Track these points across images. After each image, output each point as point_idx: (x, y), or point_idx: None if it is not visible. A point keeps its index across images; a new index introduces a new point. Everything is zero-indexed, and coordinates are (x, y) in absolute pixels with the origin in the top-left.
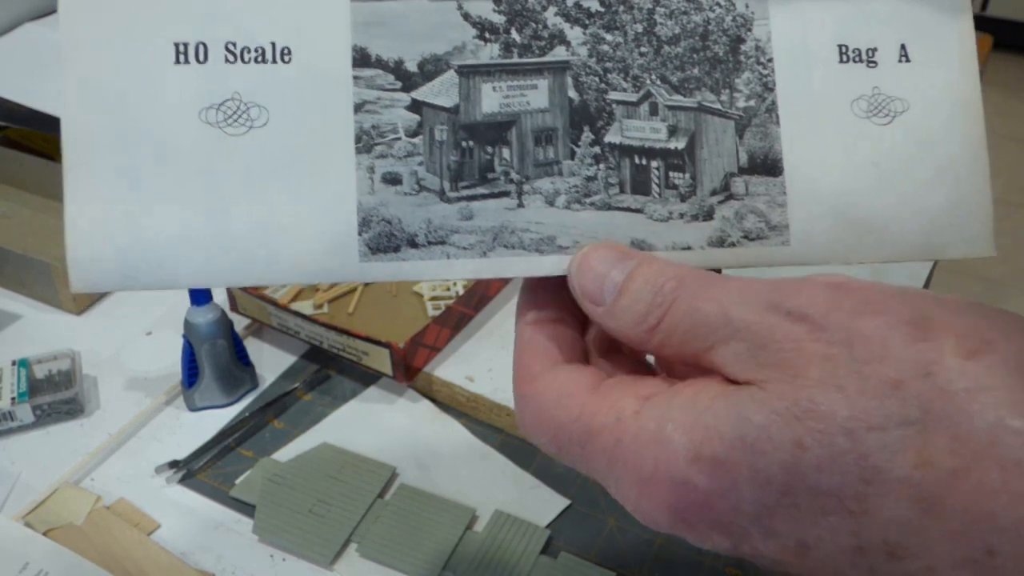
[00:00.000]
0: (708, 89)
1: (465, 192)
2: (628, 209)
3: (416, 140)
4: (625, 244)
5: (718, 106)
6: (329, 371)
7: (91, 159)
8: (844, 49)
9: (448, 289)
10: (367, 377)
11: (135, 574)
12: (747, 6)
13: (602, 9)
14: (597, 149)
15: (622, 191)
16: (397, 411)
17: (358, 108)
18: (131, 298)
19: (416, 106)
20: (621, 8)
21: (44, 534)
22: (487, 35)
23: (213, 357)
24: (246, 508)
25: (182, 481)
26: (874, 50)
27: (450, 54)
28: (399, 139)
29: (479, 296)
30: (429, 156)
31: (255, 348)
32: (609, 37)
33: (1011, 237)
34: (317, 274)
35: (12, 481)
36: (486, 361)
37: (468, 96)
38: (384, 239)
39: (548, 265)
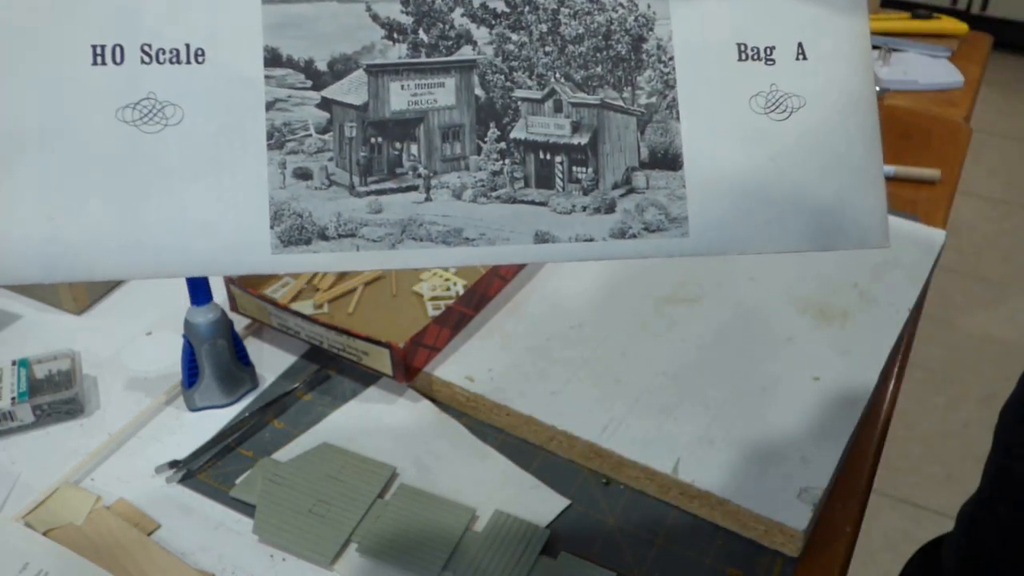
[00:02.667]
0: (611, 87)
1: (374, 186)
2: (533, 202)
3: (326, 136)
4: (529, 237)
5: (620, 103)
6: (329, 371)
7: (11, 157)
8: (743, 47)
9: (448, 289)
10: (367, 377)
11: (135, 574)
12: (649, 6)
13: (508, 10)
14: (503, 145)
15: (527, 185)
16: (397, 411)
17: (270, 106)
18: (131, 298)
19: (326, 104)
20: (526, 9)
21: (44, 534)
22: (395, 35)
23: (213, 357)
24: (246, 508)
25: (182, 481)
26: (772, 48)
27: (359, 54)
28: (310, 135)
29: (479, 296)
30: (339, 152)
31: (255, 348)
32: (515, 37)
33: (1011, 237)
34: (230, 266)
35: (12, 481)
36: (486, 361)
37: (377, 94)
38: (295, 232)
39: (455, 257)
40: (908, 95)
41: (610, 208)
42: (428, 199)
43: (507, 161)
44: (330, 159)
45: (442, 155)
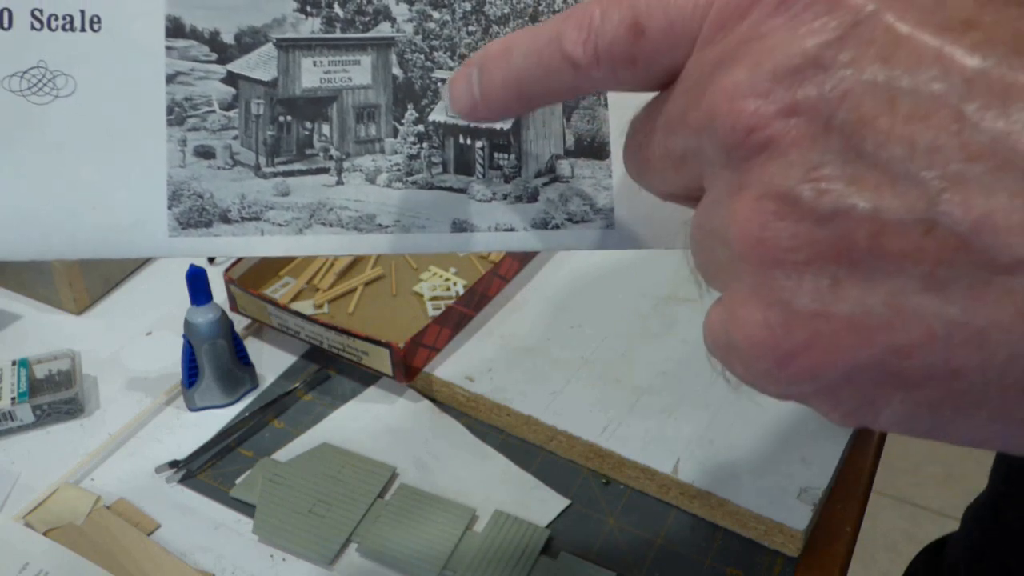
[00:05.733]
0: None
1: (282, 168)
2: (451, 189)
3: (231, 113)
4: (446, 225)
5: None
6: (329, 371)
7: None
8: None
9: (448, 289)
10: (367, 377)
11: (135, 574)
12: None
13: None
14: (421, 128)
15: (445, 171)
16: (397, 411)
17: (171, 79)
18: (131, 298)
19: (232, 79)
20: None
21: (44, 534)
22: (308, 8)
23: (213, 357)
24: (246, 508)
25: (182, 481)
26: None
27: (269, 26)
28: (213, 112)
29: (479, 296)
30: (245, 130)
31: (255, 348)
32: (436, 15)
33: None
34: (124, 249)
35: (12, 481)
36: (486, 361)
37: (287, 70)
38: (195, 214)
39: (366, 244)
40: None
41: (532, 197)
42: (340, 183)
43: (425, 145)
44: (235, 137)
45: (356, 137)
